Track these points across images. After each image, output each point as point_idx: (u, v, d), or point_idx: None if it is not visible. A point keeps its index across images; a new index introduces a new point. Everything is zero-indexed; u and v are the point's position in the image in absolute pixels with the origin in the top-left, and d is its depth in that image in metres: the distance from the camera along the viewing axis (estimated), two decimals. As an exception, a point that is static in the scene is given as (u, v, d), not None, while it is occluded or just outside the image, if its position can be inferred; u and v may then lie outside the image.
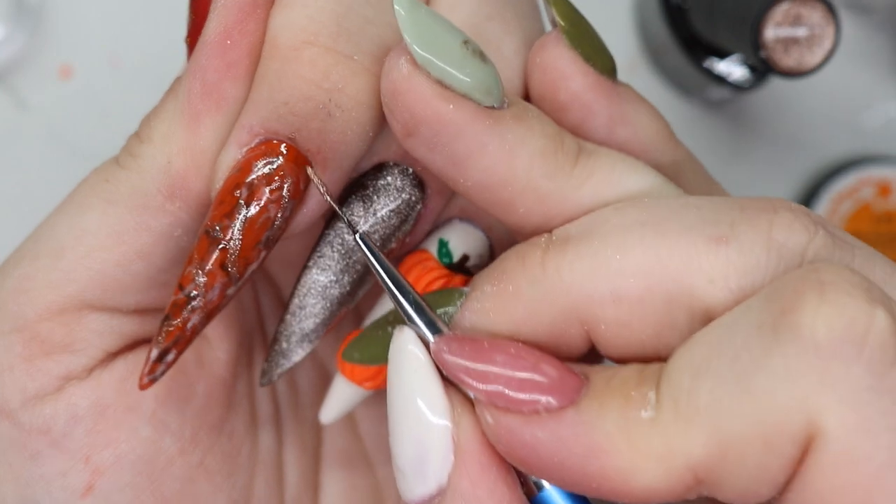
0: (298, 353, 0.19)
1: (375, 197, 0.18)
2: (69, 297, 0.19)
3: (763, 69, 0.31)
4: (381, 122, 0.17)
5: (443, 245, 0.19)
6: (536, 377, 0.15)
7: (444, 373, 0.16)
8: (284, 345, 0.19)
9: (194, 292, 0.17)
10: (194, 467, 0.20)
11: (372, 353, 0.18)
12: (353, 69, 0.17)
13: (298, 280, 0.19)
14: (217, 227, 0.17)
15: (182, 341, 0.17)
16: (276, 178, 0.17)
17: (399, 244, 0.19)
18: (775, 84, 0.38)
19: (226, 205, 0.17)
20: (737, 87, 0.36)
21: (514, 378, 0.15)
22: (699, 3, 0.34)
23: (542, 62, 0.18)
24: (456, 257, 0.19)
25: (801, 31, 0.28)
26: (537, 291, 0.16)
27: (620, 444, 0.15)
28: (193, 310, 0.17)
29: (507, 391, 0.15)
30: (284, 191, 0.17)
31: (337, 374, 0.20)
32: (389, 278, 0.17)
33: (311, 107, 0.17)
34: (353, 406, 0.21)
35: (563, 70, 0.18)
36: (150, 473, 0.19)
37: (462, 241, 0.19)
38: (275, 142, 0.17)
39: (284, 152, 0.17)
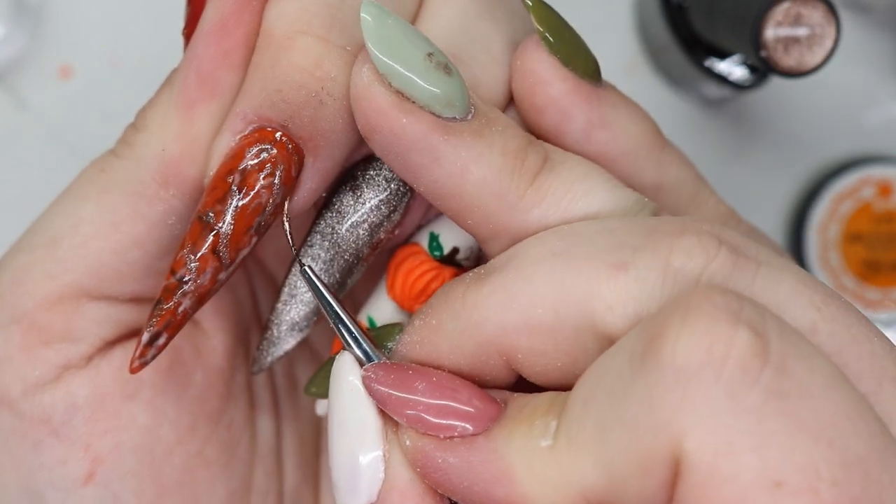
0: (289, 342, 0.20)
1: (365, 187, 0.19)
2: (66, 286, 0.19)
3: (763, 69, 0.31)
4: None
5: (433, 238, 0.19)
6: (454, 404, 0.16)
7: (373, 398, 0.17)
8: (275, 333, 0.20)
9: (186, 276, 0.17)
10: (193, 456, 0.20)
11: (327, 388, 0.19)
12: (346, 59, 0.17)
13: (289, 269, 0.19)
14: (210, 213, 0.17)
15: (173, 325, 0.18)
16: (269, 164, 0.17)
17: (388, 235, 0.19)
18: (776, 84, 0.38)
19: (219, 190, 0.17)
20: (737, 87, 0.36)
21: (432, 404, 0.16)
22: (699, 2, 0.34)
23: (521, 66, 0.19)
24: (446, 250, 0.19)
25: (801, 31, 0.28)
26: (457, 325, 0.17)
27: (523, 471, 0.15)
28: (185, 294, 0.17)
29: (425, 416, 0.16)
30: (276, 177, 0.17)
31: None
32: (332, 311, 0.17)
33: (303, 95, 0.17)
34: None
35: (541, 75, 0.19)
36: (149, 462, 0.20)
37: (452, 234, 0.19)
38: (268, 129, 0.17)
39: (277, 139, 0.17)
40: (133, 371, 0.18)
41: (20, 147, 0.35)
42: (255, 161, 0.17)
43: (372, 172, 0.19)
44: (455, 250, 0.19)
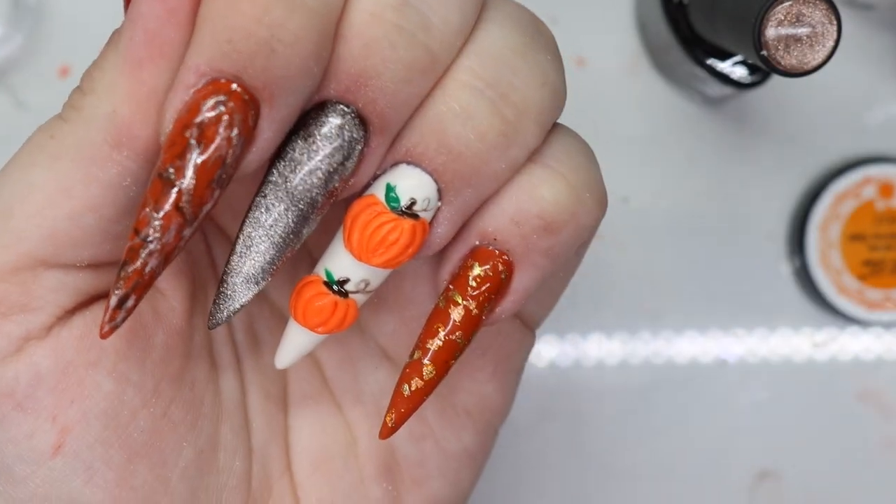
0: (245, 295, 0.20)
1: (318, 134, 0.18)
2: (22, 255, 0.19)
3: (764, 68, 0.31)
4: (323, 58, 0.18)
5: (390, 189, 0.19)
6: None
7: None
8: (230, 287, 0.20)
9: (150, 235, 0.17)
10: (159, 418, 0.20)
11: None
12: (293, 4, 0.17)
13: (243, 222, 0.19)
14: (170, 169, 0.17)
15: (141, 286, 0.18)
16: (226, 116, 0.17)
17: (343, 185, 0.19)
18: (777, 83, 0.38)
19: (177, 146, 0.17)
20: (738, 86, 0.36)
21: None
22: (700, 1, 0.34)
23: None
24: (403, 201, 0.19)
25: (802, 30, 0.28)
26: None
27: None
28: (151, 253, 0.17)
29: None
30: (234, 129, 0.17)
31: (290, 319, 0.21)
32: None
33: (253, 43, 0.17)
34: (308, 350, 0.21)
35: None
36: (116, 428, 0.20)
37: (409, 185, 0.19)
38: (222, 81, 0.17)
39: (233, 90, 0.17)
40: (104, 336, 0.18)
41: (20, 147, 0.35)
42: (212, 114, 0.17)
43: (324, 120, 0.18)
44: (412, 201, 0.19)
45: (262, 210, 0.19)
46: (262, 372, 0.23)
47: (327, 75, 0.18)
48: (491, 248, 0.20)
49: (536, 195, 0.19)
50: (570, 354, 0.40)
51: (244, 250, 0.19)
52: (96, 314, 0.20)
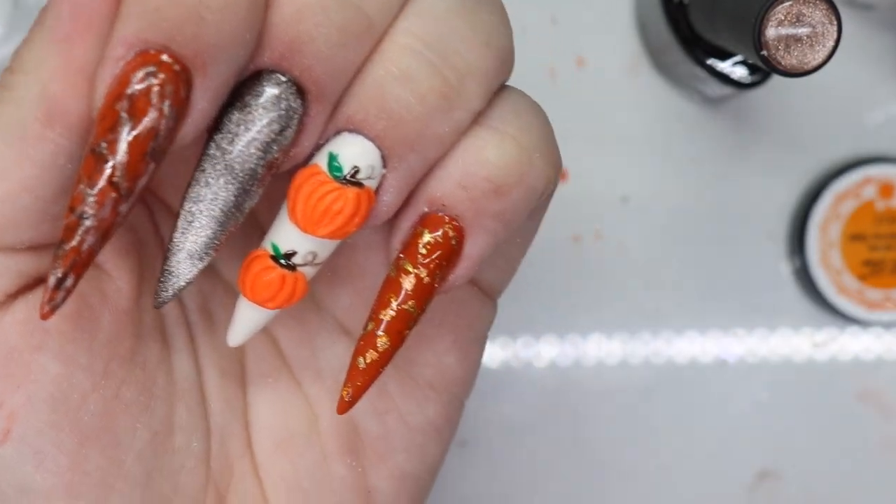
0: (190, 272, 0.19)
1: (253, 105, 0.18)
2: None
3: (764, 68, 0.31)
4: (255, 25, 0.17)
5: (332, 158, 0.19)
6: None
7: None
8: (174, 263, 0.19)
9: (86, 212, 0.17)
10: (110, 400, 0.20)
11: None
12: None
13: (183, 197, 0.19)
14: (102, 144, 0.17)
15: (79, 264, 0.17)
16: (157, 87, 0.17)
17: (283, 155, 0.18)
18: (777, 82, 0.38)
19: (108, 120, 0.17)
20: (738, 86, 0.36)
21: None
22: (700, 1, 0.34)
23: None
24: (346, 170, 0.19)
25: (802, 30, 0.28)
26: None
27: None
28: (87, 230, 0.17)
29: None
30: (166, 100, 0.17)
31: (239, 296, 0.20)
32: None
33: (181, 11, 0.16)
34: (260, 326, 0.21)
35: None
36: (65, 411, 0.19)
37: (352, 153, 0.19)
38: (151, 51, 0.17)
39: (162, 61, 0.17)
40: (44, 317, 0.18)
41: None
42: (142, 85, 0.17)
43: (259, 89, 0.18)
44: (356, 169, 0.19)
45: (202, 184, 0.18)
46: (217, 350, 0.23)
47: (261, 43, 0.18)
48: (440, 213, 0.19)
49: (483, 158, 0.19)
50: (570, 354, 0.40)
51: (185, 226, 0.19)
52: (39, 297, 0.19)
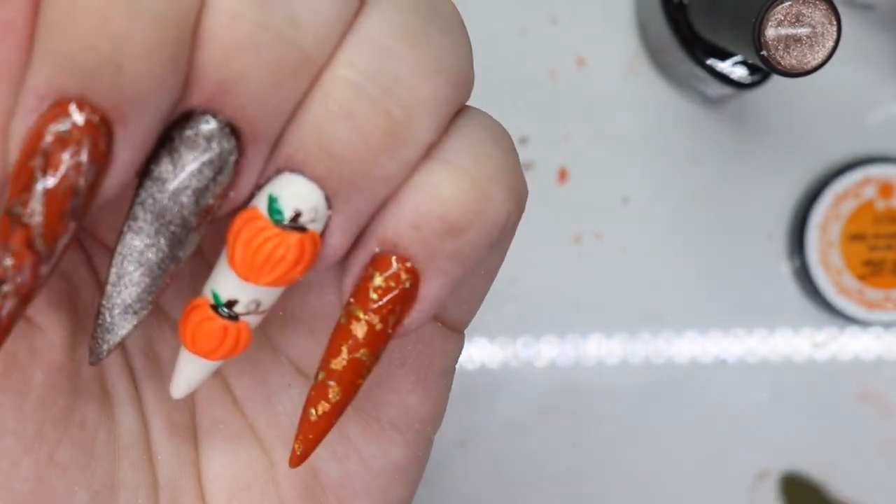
0: (125, 327, 0.18)
1: (183, 149, 0.17)
2: None
3: (764, 68, 0.31)
4: (179, 69, 0.16)
5: (273, 201, 0.17)
6: None
7: None
8: (108, 318, 0.18)
9: (3, 276, 0.16)
10: (44, 465, 0.19)
11: None
12: (138, 12, 0.15)
13: (115, 247, 0.18)
14: (17, 204, 0.16)
15: (0, 331, 0.16)
16: (73, 141, 0.15)
17: (219, 200, 0.17)
18: (777, 82, 0.38)
19: (22, 178, 0.16)
20: (738, 86, 0.36)
21: None
22: (700, 1, 0.34)
23: None
24: (287, 214, 0.17)
25: (802, 30, 0.28)
26: None
27: None
28: (6, 296, 0.16)
29: None
30: (83, 155, 0.16)
31: (181, 347, 0.19)
32: None
33: (96, 58, 0.15)
34: (204, 378, 0.20)
35: None
36: None
37: (293, 195, 0.17)
38: (65, 102, 0.16)
39: (77, 112, 0.15)
40: None
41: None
42: (57, 140, 0.15)
43: (189, 132, 0.17)
44: (297, 213, 0.17)
45: (132, 234, 0.17)
46: (164, 400, 0.21)
47: (189, 84, 0.16)
48: (392, 255, 0.18)
49: (435, 195, 0.17)
50: (570, 354, 0.40)
51: (117, 279, 0.18)
52: None
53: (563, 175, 0.39)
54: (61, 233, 0.16)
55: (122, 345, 0.20)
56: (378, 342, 0.18)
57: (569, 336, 0.40)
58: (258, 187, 0.18)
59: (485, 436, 0.40)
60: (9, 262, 0.16)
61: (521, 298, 0.39)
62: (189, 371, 0.19)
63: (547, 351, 0.40)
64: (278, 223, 0.17)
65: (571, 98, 0.39)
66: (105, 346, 0.18)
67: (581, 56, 0.39)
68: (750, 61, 0.35)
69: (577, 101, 0.39)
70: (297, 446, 0.19)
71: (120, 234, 0.18)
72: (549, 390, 0.40)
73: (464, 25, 0.18)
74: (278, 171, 0.17)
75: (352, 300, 0.18)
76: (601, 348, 0.40)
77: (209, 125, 0.17)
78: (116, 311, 0.18)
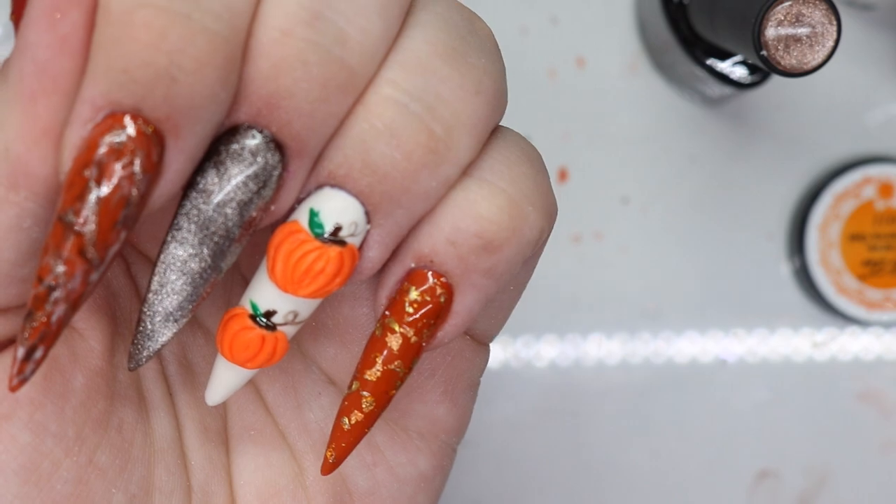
0: (165, 334, 0.19)
1: (229, 162, 0.17)
2: None
3: (764, 68, 0.31)
4: (230, 82, 0.16)
5: (314, 215, 0.18)
6: None
7: None
8: (149, 326, 0.18)
9: (54, 283, 0.16)
10: (83, 467, 0.19)
11: None
12: (192, 28, 0.16)
13: (158, 256, 0.18)
14: (70, 212, 0.16)
15: (49, 336, 0.17)
16: (126, 152, 0.16)
17: (261, 213, 0.18)
18: (777, 82, 0.38)
19: (76, 187, 0.16)
20: (738, 86, 0.36)
21: None
22: (700, 1, 0.34)
23: None
24: (328, 227, 0.18)
25: (802, 30, 0.28)
26: None
27: None
28: (56, 301, 0.16)
29: None
30: (136, 165, 0.16)
31: (218, 354, 0.20)
32: None
33: (152, 72, 0.16)
34: (239, 386, 0.20)
35: None
36: (36, 481, 0.19)
37: (334, 209, 0.18)
38: (120, 114, 0.16)
39: (131, 124, 0.16)
40: (13, 390, 0.17)
41: None
42: (111, 150, 0.16)
43: (236, 146, 0.17)
44: (338, 226, 0.18)
45: (176, 244, 0.18)
46: (198, 406, 0.22)
47: (238, 98, 0.17)
48: (428, 270, 0.18)
49: (473, 213, 0.18)
50: (570, 354, 0.40)
51: (159, 287, 0.18)
52: (6, 363, 0.19)
53: (562, 175, 0.39)
54: (113, 241, 0.16)
55: (159, 352, 0.21)
56: (412, 354, 0.19)
57: (569, 336, 0.40)
58: (299, 201, 0.18)
59: (485, 436, 0.40)
60: (61, 268, 0.16)
61: (522, 298, 0.39)
62: (225, 379, 0.20)
63: (547, 351, 0.40)
64: (318, 236, 0.18)
65: (571, 98, 0.39)
66: (145, 353, 0.19)
67: (581, 56, 0.39)
68: (750, 61, 0.35)
69: (577, 101, 0.39)
70: (329, 454, 0.19)
71: (163, 244, 0.18)
72: (549, 390, 0.40)
73: (498, 46, 0.19)
74: (319, 186, 0.18)
75: (387, 313, 0.19)
76: (601, 348, 0.40)
77: (255, 140, 0.17)
78: (157, 319, 0.18)
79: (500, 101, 0.18)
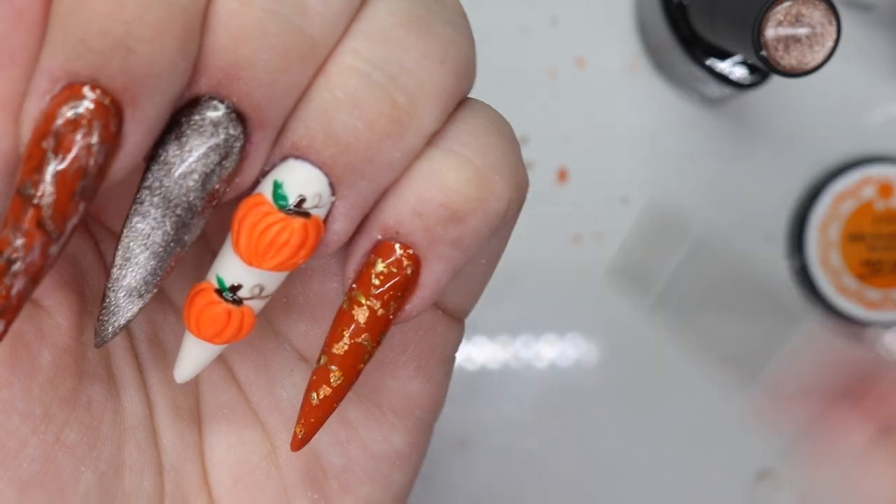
0: (130, 310, 0.18)
1: (190, 134, 0.17)
2: None
3: (764, 69, 0.31)
4: (189, 52, 0.16)
5: (277, 187, 0.18)
6: None
7: None
8: (113, 301, 0.18)
9: (13, 255, 0.16)
10: (51, 444, 0.19)
11: None
12: None
13: (121, 231, 0.18)
14: (28, 184, 0.16)
15: (9, 310, 0.16)
16: (84, 123, 0.16)
17: (225, 185, 0.17)
18: (777, 83, 0.38)
19: (34, 159, 0.16)
20: (738, 86, 0.36)
21: None
22: (700, 2, 0.34)
23: None
24: (291, 199, 0.18)
25: (802, 30, 0.28)
26: None
27: None
28: (15, 275, 0.16)
29: None
30: (94, 136, 0.16)
31: (185, 331, 0.19)
32: None
33: (109, 42, 0.16)
34: (208, 362, 0.20)
35: None
36: (2, 459, 0.19)
37: (298, 181, 0.18)
38: (78, 84, 0.16)
39: (89, 94, 0.16)
40: None
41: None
42: (68, 121, 0.16)
43: (197, 118, 0.17)
44: (302, 198, 0.18)
45: (139, 217, 0.18)
46: (169, 384, 0.22)
47: (197, 69, 0.17)
48: (394, 241, 0.18)
49: (439, 183, 0.18)
50: (570, 354, 0.40)
51: (123, 262, 0.18)
52: None
53: (562, 175, 0.39)
54: (71, 213, 0.16)
55: (127, 329, 0.21)
56: (379, 327, 0.19)
57: (569, 336, 0.40)
58: (263, 174, 0.18)
59: (485, 436, 0.40)
60: (19, 241, 0.16)
61: (522, 298, 0.40)
62: (193, 355, 0.20)
63: (547, 351, 0.40)
64: (283, 208, 0.18)
65: (571, 98, 0.39)
66: (110, 329, 0.19)
67: (581, 56, 0.39)
68: (750, 61, 0.35)
69: (577, 101, 0.39)
70: (298, 430, 0.19)
71: (126, 218, 0.18)
72: (549, 390, 0.40)
73: (466, 17, 0.18)
74: (283, 158, 0.18)
75: (354, 286, 0.19)
76: (601, 348, 0.40)
77: (217, 112, 0.17)
78: (122, 294, 0.18)
79: (467, 71, 0.18)
